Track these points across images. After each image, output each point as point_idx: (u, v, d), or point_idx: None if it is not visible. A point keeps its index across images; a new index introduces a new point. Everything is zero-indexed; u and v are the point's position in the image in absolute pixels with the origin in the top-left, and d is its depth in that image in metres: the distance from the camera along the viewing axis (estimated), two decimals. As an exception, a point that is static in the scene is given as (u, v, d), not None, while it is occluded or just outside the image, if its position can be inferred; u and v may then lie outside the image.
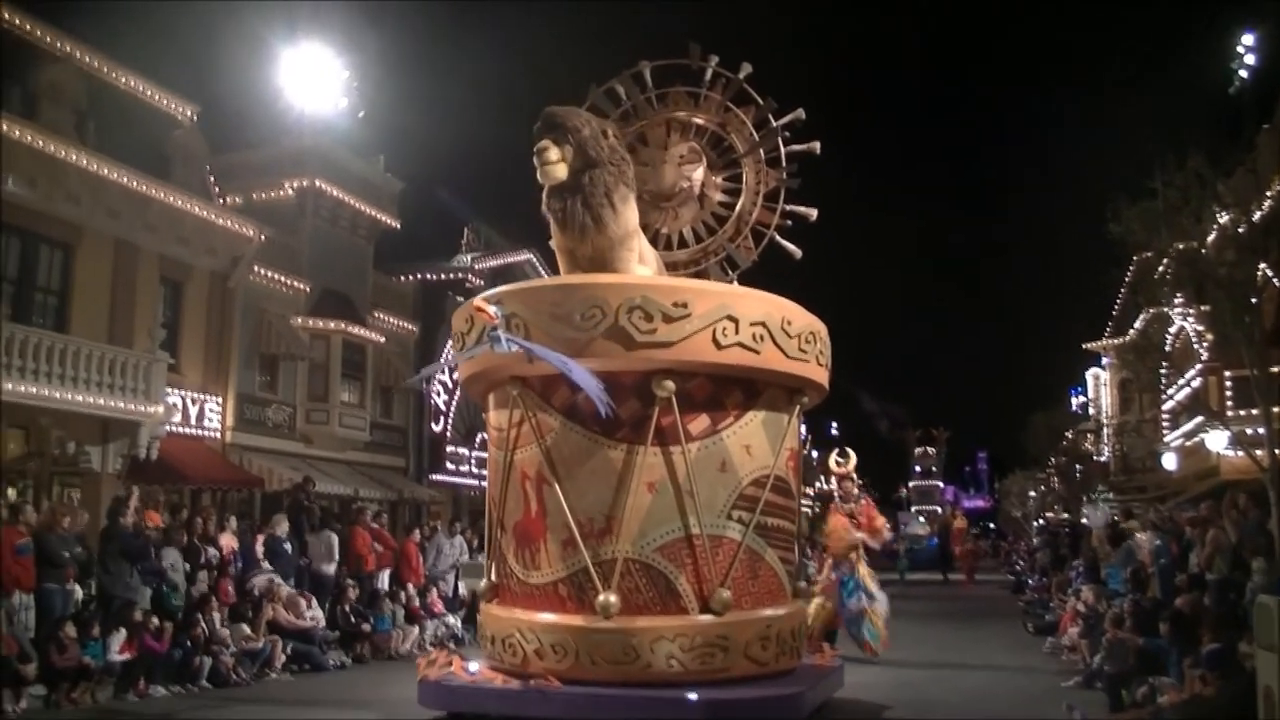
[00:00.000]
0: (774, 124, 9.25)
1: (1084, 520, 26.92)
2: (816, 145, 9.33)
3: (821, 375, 8.58)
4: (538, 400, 8.01)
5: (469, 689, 7.80)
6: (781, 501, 8.38)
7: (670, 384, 7.69)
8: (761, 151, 9.31)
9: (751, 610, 7.97)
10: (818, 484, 69.44)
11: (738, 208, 9.36)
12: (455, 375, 8.62)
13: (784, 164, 9.27)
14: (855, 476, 15.41)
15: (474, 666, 8.08)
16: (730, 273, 9.29)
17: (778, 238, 9.30)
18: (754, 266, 9.34)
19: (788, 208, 9.28)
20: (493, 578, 8.47)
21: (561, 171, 7.75)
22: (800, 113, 9.25)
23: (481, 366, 8.16)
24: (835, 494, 15.26)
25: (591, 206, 7.81)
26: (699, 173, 9.34)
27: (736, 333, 7.70)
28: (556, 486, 7.82)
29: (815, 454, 69.09)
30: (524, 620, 7.89)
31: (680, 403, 7.78)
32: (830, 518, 14.89)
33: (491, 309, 7.14)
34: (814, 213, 9.30)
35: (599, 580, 7.61)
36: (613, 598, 7.52)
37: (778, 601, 8.26)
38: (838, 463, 15.30)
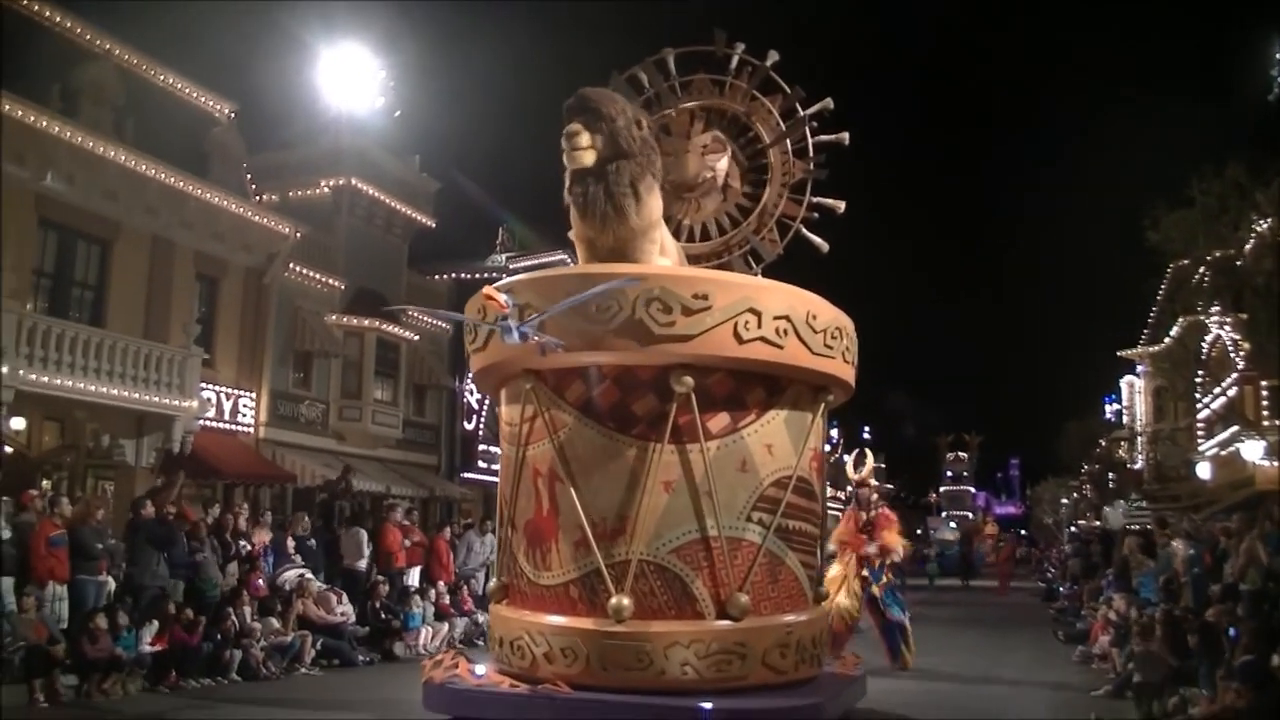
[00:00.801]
0: (801, 113, 8.73)
1: (1107, 519, 26.33)
2: (845, 136, 8.84)
3: (848, 373, 8.07)
4: (551, 395, 7.56)
5: (474, 693, 7.35)
6: (804, 504, 7.87)
7: (689, 379, 7.20)
8: (788, 142, 8.80)
9: (771, 616, 7.46)
10: (850, 489, 68.73)
11: (763, 199, 8.85)
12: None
13: (811, 154, 8.76)
14: (875, 482, 14.90)
15: (480, 669, 7.62)
16: (755, 266, 8.79)
17: (804, 230, 8.78)
18: (779, 261, 8.84)
19: (814, 200, 8.77)
20: (503, 578, 8.03)
21: (590, 158, 7.26)
22: (829, 102, 8.74)
23: (493, 359, 7.72)
24: (853, 497, 14.72)
25: (614, 195, 7.32)
26: (723, 163, 8.83)
27: (759, 326, 7.19)
28: (569, 484, 7.35)
29: (848, 459, 68.43)
30: (533, 622, 7.43)
31: (699, 399, 7.29)
32: (844, 522, 14.34)
33: (502, 297, 6.69)
34: (841, 205, 8.79)
35: (611, 582, 7.13)
36: (625, 600, 7.04)
37: (798, 607, 7.74)
38: (856, 468, 14.80)
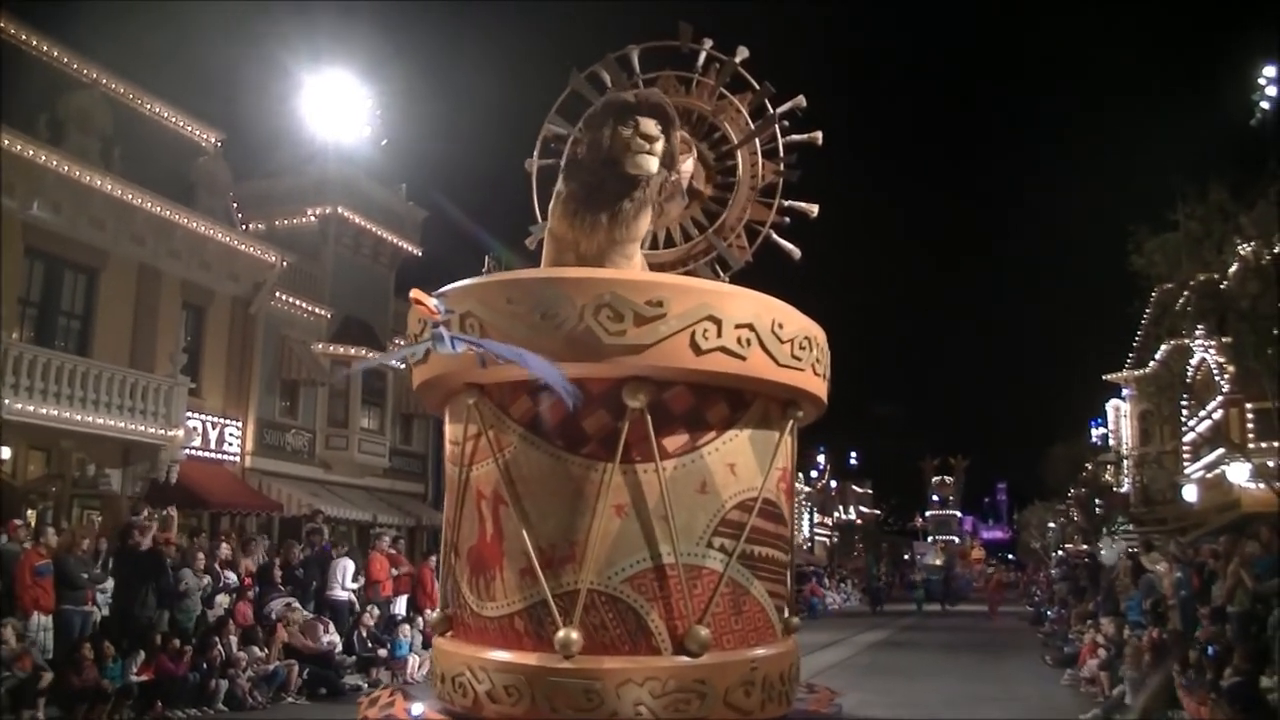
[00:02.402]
0: (771, 111, 7.91)
1: (1101, 555, 25.55)
2: (819, 135, 7.99)
3: (819, 386, 7.17)
4: (495, 411, 6.68)
5: (410, 735, 6.49)
6: (771, 528, 6.97)
7: (643, 394, 6.34)
8: (757, 142, 7.97)
9: (734, 651, 6.56)
10: (836, 514, 67.61)
11: (730, 203, 8.03)
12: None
13: (782, 155, 7.94)
14: None
15: (418, 708, 6.71)
16: (722, 274, 7.93)
17: (774, 236, 7.94)
18: (749, 269, 7.98)
19: (786, 203, 7.92)
20: (446, 609, 7.14)
21: (654, 166, 6.36)
22: (801, 100, 7.89)
23: (435, 373, 6.84)
24: None
25: (620, 200, 6.42)
26: (688, 164, 7.96)
27: (719, 335, 6.29)
28: (514, 507, 6.50)
29: (835, 484, 67.28)
30: (475, 658, 6.52)
31: (655, 415, 6.39)
32: None
33: (432, 302, 5.80)
34: (814, 209, 7.93)
35: (559, 614, 6.25)
36: (574, 634, 6.13)
37: (765, 640, 6.83)
38: None
